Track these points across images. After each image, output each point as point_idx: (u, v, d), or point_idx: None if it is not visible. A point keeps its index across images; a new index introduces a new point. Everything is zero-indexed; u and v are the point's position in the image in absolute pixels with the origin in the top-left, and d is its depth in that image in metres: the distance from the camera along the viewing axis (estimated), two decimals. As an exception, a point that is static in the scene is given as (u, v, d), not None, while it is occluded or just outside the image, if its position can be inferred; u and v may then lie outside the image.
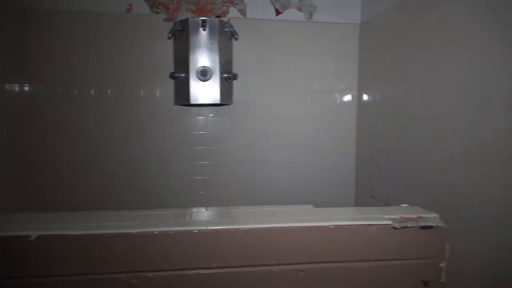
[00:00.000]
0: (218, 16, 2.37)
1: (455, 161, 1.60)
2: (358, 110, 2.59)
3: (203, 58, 2.21)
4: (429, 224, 1.01)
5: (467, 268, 1.51)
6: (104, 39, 2.30)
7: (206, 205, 1.81)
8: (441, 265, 1.02)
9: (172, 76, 2.27)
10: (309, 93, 2.55)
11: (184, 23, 2.22)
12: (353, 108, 2.61)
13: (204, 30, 2.19)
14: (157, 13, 2.35)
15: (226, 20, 2.37)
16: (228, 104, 2.39)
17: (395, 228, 0.99)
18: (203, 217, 1.11)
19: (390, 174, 2.15)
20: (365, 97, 2.50)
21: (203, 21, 2.20)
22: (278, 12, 2.47)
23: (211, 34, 2.22)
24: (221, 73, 2.24)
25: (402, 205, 1.18)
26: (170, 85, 2.35)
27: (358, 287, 1.01)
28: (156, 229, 0.94)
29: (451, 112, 1.64)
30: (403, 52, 2.02)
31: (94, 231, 0.92)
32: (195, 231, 0.95)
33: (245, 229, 0.97)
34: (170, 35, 2.26)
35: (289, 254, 0.99)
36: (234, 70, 2.40)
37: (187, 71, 2.21)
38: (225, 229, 0.96)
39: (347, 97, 2.60)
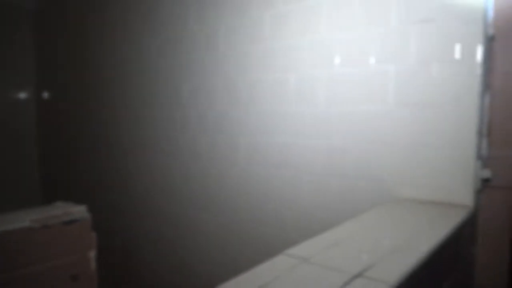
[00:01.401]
0: None
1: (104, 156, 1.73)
2: (39, 107, 2.35)
3: None
4: (74, 218, 1.02)
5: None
6: None
7: None
8: (90, 255, 1.05)
9: None
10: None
11: None
12: (33, 105, 2.35)
13: None
14: None
15: None
16: None
17: (34, 229, 0.94)
18: None
19: (81, 173, 2.09)
20: (46, 93, 2.30)
21: None
22: None
23: None
24: None
25: (56, 203, 1.15)
26: None
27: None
28: None
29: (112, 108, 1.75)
30: (77, 47, 1.99)
31: None
32: None
33: None
34: None
35: None
36: None
37: None
38: None
39: (25, 93, 2.33)
